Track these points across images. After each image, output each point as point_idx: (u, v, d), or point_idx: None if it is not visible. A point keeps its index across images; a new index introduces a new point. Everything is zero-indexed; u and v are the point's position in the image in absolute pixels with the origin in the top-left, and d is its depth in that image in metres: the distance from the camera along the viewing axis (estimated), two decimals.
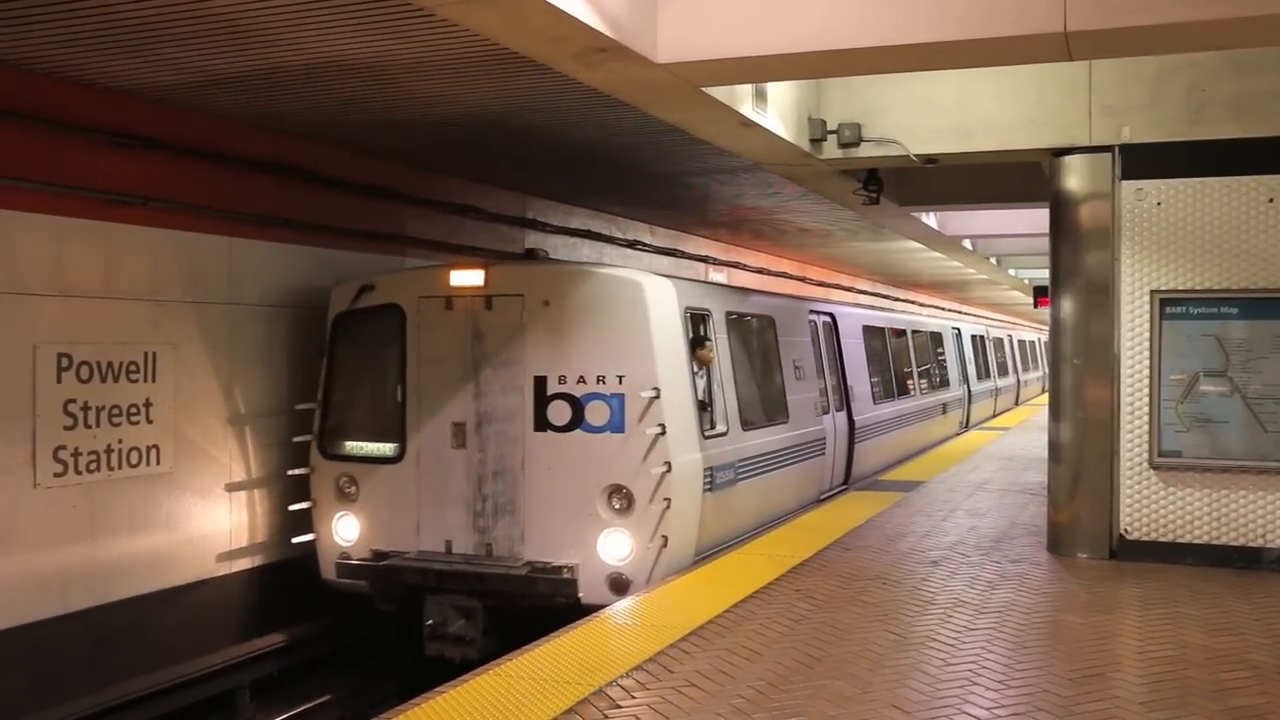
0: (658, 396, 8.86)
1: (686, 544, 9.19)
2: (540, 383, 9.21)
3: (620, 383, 8.96)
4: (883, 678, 6.14)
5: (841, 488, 13.83)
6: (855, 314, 16.45)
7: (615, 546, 8.94)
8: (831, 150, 10.41)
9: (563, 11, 5.87)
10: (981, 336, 27.48)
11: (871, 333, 16.74)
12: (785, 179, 12.24)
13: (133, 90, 8.85)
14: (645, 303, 9.07)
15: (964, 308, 42.36)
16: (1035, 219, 16.09)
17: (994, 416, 27.11)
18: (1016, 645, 6.78)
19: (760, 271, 22.32)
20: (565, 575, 8.94)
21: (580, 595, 8.90)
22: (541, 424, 9.19)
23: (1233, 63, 9.05)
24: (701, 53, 7.04)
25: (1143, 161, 9.36)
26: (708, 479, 9.46)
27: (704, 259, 19.92)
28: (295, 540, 10.12)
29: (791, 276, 24.33)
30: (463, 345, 9.48)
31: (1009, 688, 5.97)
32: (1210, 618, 7.50)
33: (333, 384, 10.07)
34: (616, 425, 8.97)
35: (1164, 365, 9.26)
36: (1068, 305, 9.71)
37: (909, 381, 18.77)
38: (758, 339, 11.99)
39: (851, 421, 14.38)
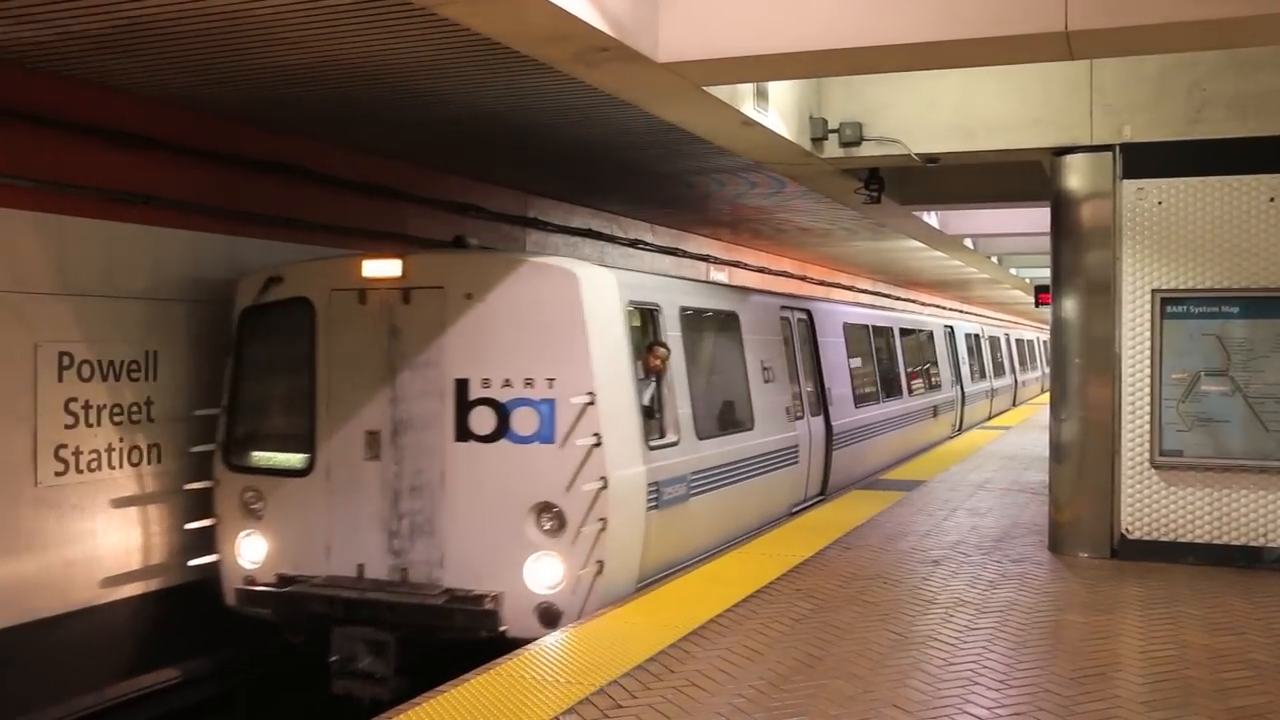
0: (593, 402, 7.91)
1: (626, 569, 8.24)
2: (462, 386, 8.23)
3: (551, 387, 8.01)
4: (884, 677, 6.14)
5: (818, 498, 12.96)
6: (834, 311, 15.46)
7: (544, 573, 7.94)
8: (833, 149, 10.42)
9: (564, 11, 5.87)
10: (976, 335, 26.60)
11: (854, 331, 15.81)
12: (786, 178, 12.24)
13: None
14: (580, 296, 8.08)
15: (962, 306, 42.19)
16: (1036, 218, 16.08)
17: (990, 419, 26.20)
18: (1018, 645, 6.78)
19: (761, 271, 22.32)
20: (487, 605, 7.94)
21: (504, 628, 7.92)
22: (463, 433, 8.21)
23: (1234, 62, 9.04)
24: (703, 52, 7.04)
25: (1144, 161, 9.35)
26: (653, 495, 8.51)
27: (705, 258, 19.92)
28: (194, 563, 8.97)
29: (792, 275, 24.32)
30: (378, 344, 8.52)
31: (1010, 687, 5.97)
32: (1212, 617, 7.50)
33: (239, 387, 9.04)
34: (546, 435, 7.99)
35: (1165, 364, 9.26)
36: (1069, 304, 9.70)
37: (896, 383, 17.75)
38: (718, 337, 11.07)
39: (829, 427, 13.44)
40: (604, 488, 7.90)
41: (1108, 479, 9.43)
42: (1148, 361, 9.30)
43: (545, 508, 7.99)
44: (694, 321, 10.23)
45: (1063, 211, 9.80)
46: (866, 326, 16.69)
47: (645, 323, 9.28)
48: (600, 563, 7.91)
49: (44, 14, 6.95)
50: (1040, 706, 5.66)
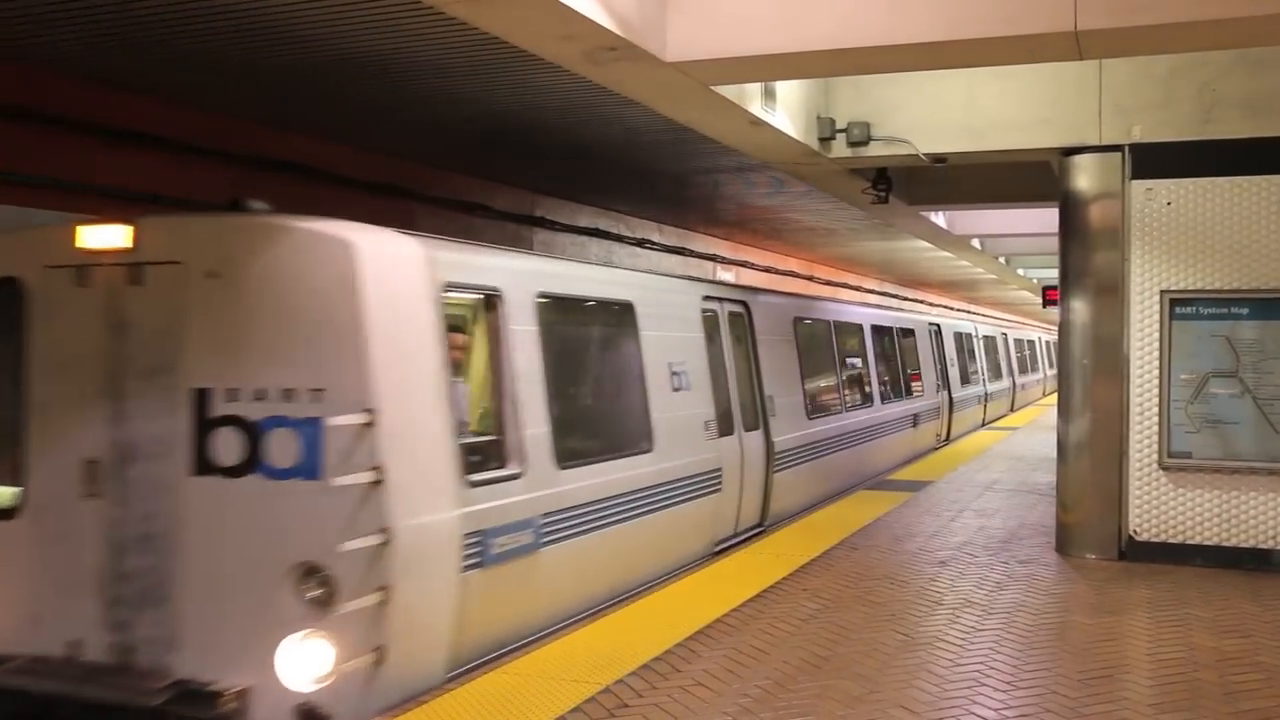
0: (372, 423, 5.80)
1: (424, 655, 6.14)
2: (202, 399, 6.05)
3: (317, 400, 5.86)
4: (890, 678, 6.13)
5: (754, 530, 10.92)
6: (782, 305, 13.18)
7: (306, 661, 5.75)
8: (840, 149, 10.41)
9: (572, 10, 5.88)
10: (968, 334, 24.55)
11: (810, 329, 13.70)
12: (794, 177, 12.23)
13: None
14: (357, 273, 5.94)
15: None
16: (1044, 218, 16.06)
17: (983, 426, 24.11)
18: (1025, 646, 6.76)
19: (768, 270, 22.32)
20: (224, 708, 5.78)
21: None
22: (203, 464, 6.03)
23: (1245, 61, 9.01)
24: (711, 51, 7.03)
25: (1153, 161, 9.32)
26: (474, 549, 6.43)
27: (712, 258, 19.92)
28: None
29: (799, 275, 24.31)
30: (99, 340, 6.30)
31: (1017, 689, 5.96)
32: (1220, 619, 7.47)
33: None
34: (310, 468, 5.84)
35: (1174, 366, 9.23)
36: (1077, 305, 9.68)
37: (863, 389, 15.56)
38: (603, 334, 9.21)
39: (770, 443, 11.39)
40: (386, 543, 5.77)
41: (1115, 480, 9.40)
42: (1156, 362, 9.27)
43: (308, 570, 5.80)
44: (561, 313, 8.22)
45: (1071, 212, 9.77)
46: (827, 323, 14.63)
47: (479, 314, 7.23)
48: (380, 648, 5.77)
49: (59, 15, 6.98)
50: (1047, 708, 5.64)
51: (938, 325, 21.24)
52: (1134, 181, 9.37)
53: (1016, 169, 12.10)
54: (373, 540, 5.75)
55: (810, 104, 10.05)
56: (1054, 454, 10.18)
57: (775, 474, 11.42)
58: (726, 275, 20.16)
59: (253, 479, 5.98)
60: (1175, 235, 9.25)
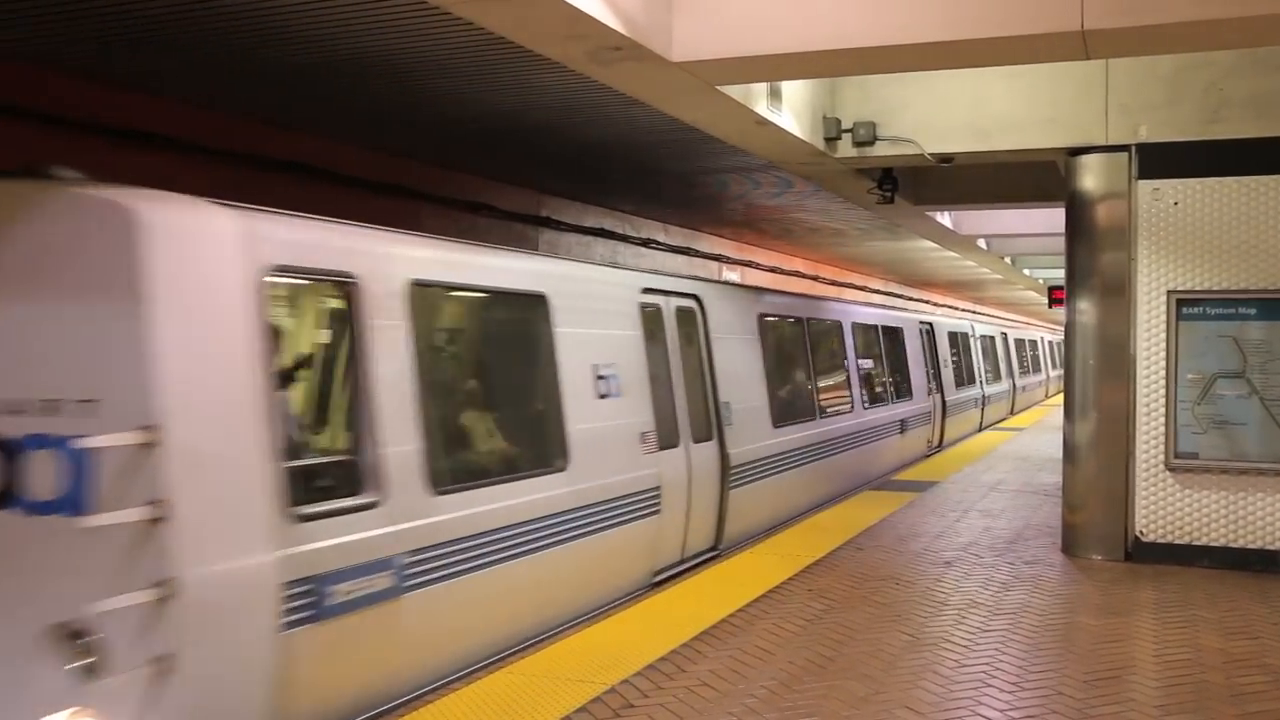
0: (154, 442, 4.66)
1: None
2: None
3: (88, 413, 4.70)
4: (896, 678, 6.12)
5: (707, 555, 9.75)
6: (744, 299, 11.80)
7: None
8: (846, 149, 10.40)
9: (578, 10, 5.87)
10: (965, 334, 23.28)
11: (778, 327, 12.48)
12: (800, 178, 12.21)
13: None
14: (140, 251, 4.74)
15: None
16: (1051, 219, 16.02)
17: (980, 431, 23.04)
18: (1031, 647, 6.75)
19: (773, 270, 22.30)
20: None
21: None
22: None
23: (1252, 61, 8.99)
24: (716, 51, 7.03)
25: (1160, 161, 9.31)
26: (302, 600, 5.25)
27: (718, 258, 19.92)
28: None
29: (805, 275, 24.30)
30: None
31: (1023, 690, 5.94)
32: (1227, 621, 7.45)
33: None
34: (74, 501, 4.68)
35: (1180, 366, 9.21)
36: (1084, 305, 9.66)
37: (842, 393, 14.36)
38: (503, 331, 8.13)
39: (725, 456, 10.16)
40: (167, 597, 4.62)
41: (1122, 481, 9.38)
42: (1163, 363, 9.25)
43: (71, 633, 4.66)
44: (446, 306, 7.23)
45: (1078, 212, 9.75)
46: (800, 320, 13.40)
47: (324, 305, 6.15)
48: None
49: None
50: (1053, 709, 5.63)
51: (930, 324, 20.28)
52: (1141, 181, 9.36)
53: (1023, 169, 12.08)
54: (149, 594, 4.55)
55: (816, 104, 10.04)
56: (1059, 454, 10.17)
57: (731, 490, 10.18)
58: (732, 275, 20.15)
59: (9, 515, 4.78)
60: (1182, 235, 9.23)
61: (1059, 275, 11.27)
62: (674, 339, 9.70)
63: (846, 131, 10.29)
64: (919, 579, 8.59)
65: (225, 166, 9.81)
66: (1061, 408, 10.28)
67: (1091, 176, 9.60)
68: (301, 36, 7.55)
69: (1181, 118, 9.22)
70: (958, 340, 22.40)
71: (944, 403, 19.81)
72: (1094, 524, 9.53)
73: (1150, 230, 9.32)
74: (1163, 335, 9.25)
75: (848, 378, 14.74)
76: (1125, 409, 9.38)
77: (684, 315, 10.03)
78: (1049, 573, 8.90)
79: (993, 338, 27.12)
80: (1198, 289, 9.18)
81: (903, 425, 16.87)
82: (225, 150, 9.78)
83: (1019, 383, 30.05)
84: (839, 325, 14.87)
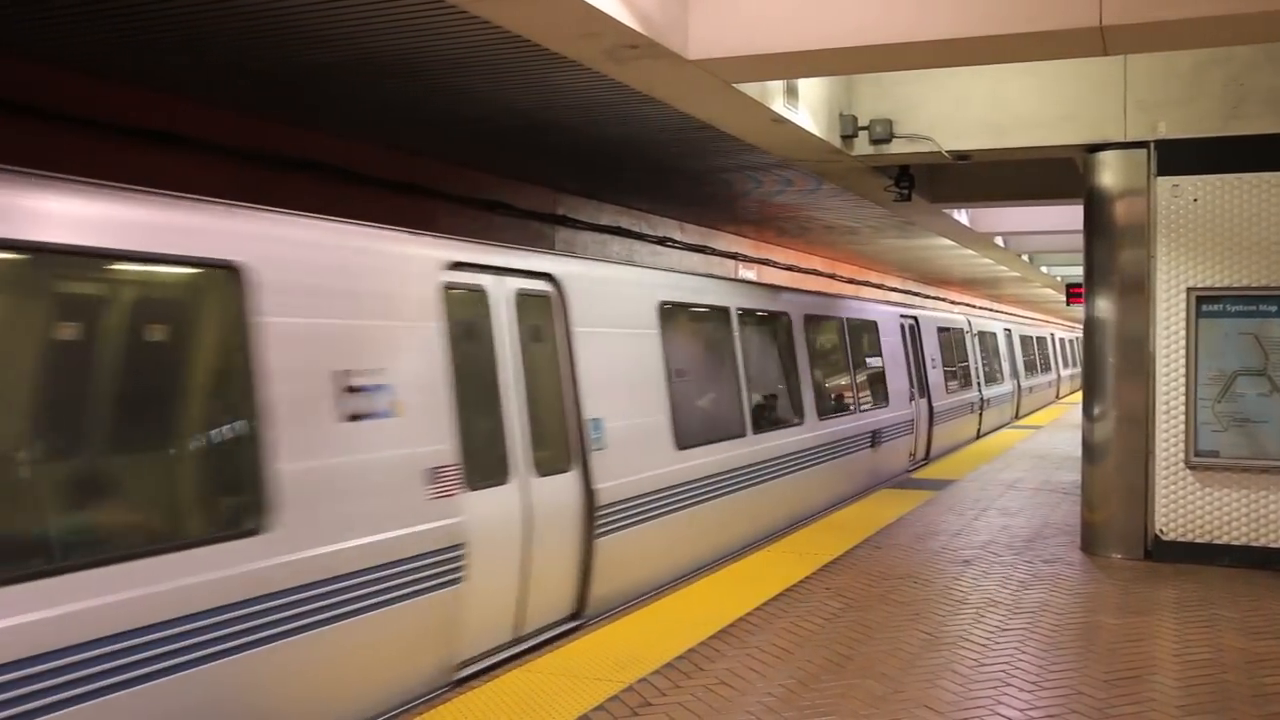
0: None
1: None
2: None
3: None
4: (914, 677, 6.10)
5: (565, 625, 7.63)
6: (632, 284, 9.23)
7: None
8: (863, 147, 10.37)
9: (594, 8, 5.88)
10: (960, 331, 21.17)
11: (689, 319, 10.35)
12: (816, 175, 12.19)
13: None
14: None
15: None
16: (1068, 216, 15.95)
17: (977, 438, 20.95)
18: (1050, 646, 6.72)
19: (790, 269, 22.27)
20: None
21: None
22: None
23: (1271, 56, 8.93)
24: (733, 49, 7.02)
25: (1179, 157, 9.25)
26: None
27: (734, 256, 19.89)
28: None
29: (821, 273, 24.25)
30: None
31: (1043, 689, 5.92)
32: (1249, 620, 7.40)
33: None
34: None
35: (1200, 364, 9.15)
36: (1102, 303, 9.61)
37: (788, 401, 12.18)
38: (149, 323, 5.24)
39: (590, 494, 7.78)
40: None
41: (1141, 479, 9.33)
42: (1183, 361, 9.19)
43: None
44: (38, 284, 4.63)
45: (1096, 209, 9.71)
46: (724, 310, 10.90)
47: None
48: None
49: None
50: (1073, 709, 5.60)
51: (915, 319, 17.92)
52: (1159, 178, 9.30)
53: (1040, 166, 12.03)
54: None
55: (833, 101, 10.02)
56: (1077, 452, 10.12)
57: (603, 538, 7.87)
58: (748, 273, 20.12)
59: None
60: (1202, 232, 9.17)
61: (1077, 273, 11.23)
62: (508, 335, 7.31)
63: (863, 129, 10.27)
64: (937, 577, 8.57)
65: (243, 167, 9.84)
66: (1079, 406, 10.23)
67: (1110, 173, 9.55)
68: (317, 36, 7.57)
69: (1200, 114, 9.16)
70: (950, 338, 20.12)
71: (931, 409, 17.63)
72: (1114, 522, 9.48)
73: (1169, 227, 9.26)
74: (1182, 333, 9.20)
75: (796, 382, 12.37)
76: (1145, 407, 9.33)
77: (530, 303, 7.63)
78: (1068, 571, 8.86)
79: (994, 334, 24.74)
80: (1218, 286, 9.13)
81: (875, 438, 14.52)
82: (242, 150, 9.80)
83: (1025, 383, 27.82)
84: (783, 318, 12.43)
